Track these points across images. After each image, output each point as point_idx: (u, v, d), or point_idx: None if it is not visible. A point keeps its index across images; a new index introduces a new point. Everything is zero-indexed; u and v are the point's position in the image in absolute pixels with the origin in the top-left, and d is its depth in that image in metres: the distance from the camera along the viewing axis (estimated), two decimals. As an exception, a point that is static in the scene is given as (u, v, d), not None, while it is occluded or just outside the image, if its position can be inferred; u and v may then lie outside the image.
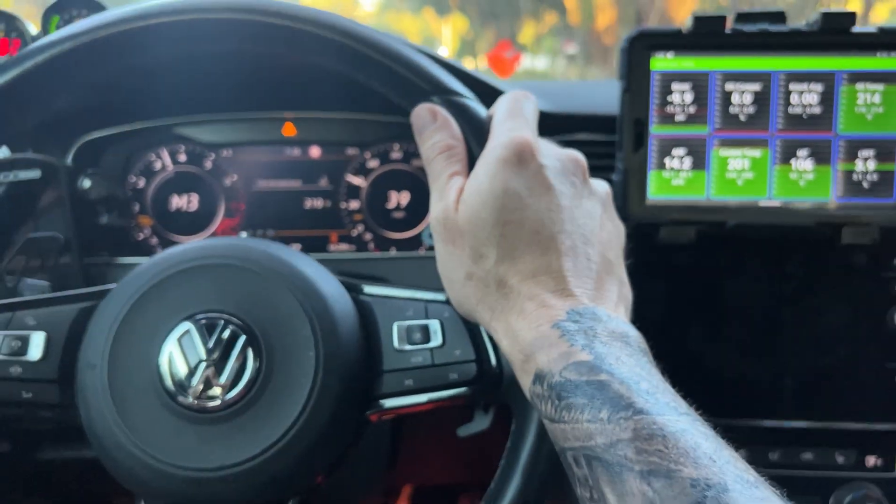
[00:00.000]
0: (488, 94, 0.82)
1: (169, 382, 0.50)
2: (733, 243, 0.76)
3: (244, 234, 0.81)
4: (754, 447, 0.77)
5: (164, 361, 0.51)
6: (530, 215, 0.46)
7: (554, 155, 0.49)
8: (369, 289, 0.57)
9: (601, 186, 0.51)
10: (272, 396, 0.50)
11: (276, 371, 0.51)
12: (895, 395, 0.76)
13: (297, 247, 0.89)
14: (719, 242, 0.76)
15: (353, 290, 0.57)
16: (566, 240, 0.46)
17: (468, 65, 0.81)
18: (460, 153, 0.52)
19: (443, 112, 0.53)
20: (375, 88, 0.55)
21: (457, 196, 0.49)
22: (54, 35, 0.54)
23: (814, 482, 0.77)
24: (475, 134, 0.52)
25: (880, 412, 0.77)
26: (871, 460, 0.77)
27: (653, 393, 0.39)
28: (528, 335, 0.43)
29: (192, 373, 0.50)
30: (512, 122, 0.50)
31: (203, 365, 0.50)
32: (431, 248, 0.87)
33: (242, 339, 0.51)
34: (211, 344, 0.51)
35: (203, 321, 0.51)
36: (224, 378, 0.50)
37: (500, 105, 0.52)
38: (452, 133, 0.52)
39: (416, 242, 0.89)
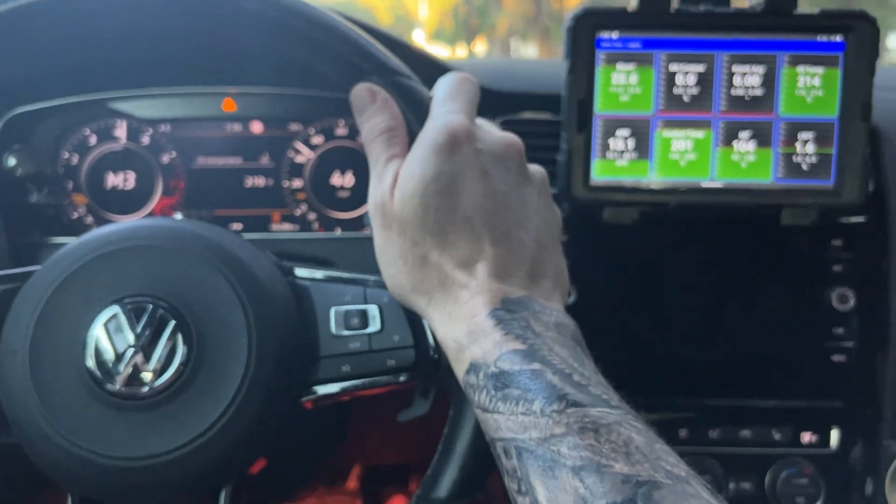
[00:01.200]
0: (435, 71, 0.81)
1: (95, 368, 0.49)
2: (676, 224, 0.77)
3: (179, 215, 0.79)
4: (694, 425, 0.79)
5: (90, 347, 0.49)
6: (463, 201, 0.45)
7: (489, 140, 0.48)
8: (306, 272, 0.55)
9: (537, 172, 0.51)
10: (203, 383, 0.49)
11: (208, 357, 0.49)
12: (831, 373, 0.78)
13: (237, 226, 0.86)
14: (662, 223, 0.77)
15: (290, 274, 0.55)
16: (500, 226, 0.45)
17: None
18: (400, 136, 0.51)
19: (383, 93, 0.51)
20: (315, 66, 0.53)
21: (393, 180, 0.48)
22: None
23: (752, 459, 0.79)
24: (416, 115, 0.51)
25: (817, 390, 0.78)
26: (807, 437, 0.79)
27: (585, 385, 0.38)
28: (462, 325, 0.42)
29: (119, 358, 0.48)
30: (449, 104, 0.49)
31: (131, 350, 0.48)
32: None
33: (172, 323, 0.49)
34: (139, 329, 0.49)
35: (131, 305, 0.49)
36: (153, 364, 0.48)
37: (440, 87, 0.51)
38: (392, 114, 0.51)
39: (361, 222, 0.87)
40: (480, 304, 0.42)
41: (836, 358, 0.77)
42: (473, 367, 0.41)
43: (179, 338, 0.49)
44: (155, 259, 0.51)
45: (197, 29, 0.59)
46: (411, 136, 0.50)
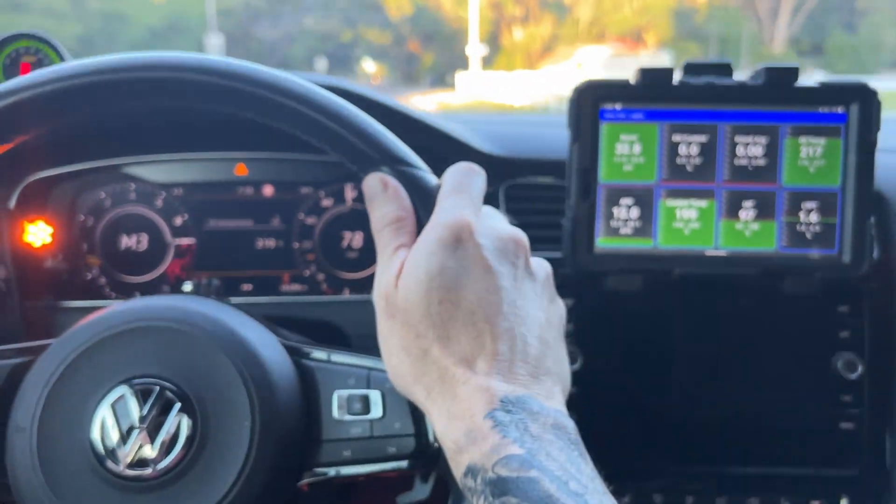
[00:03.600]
0: (446, 146, 0.82)
1: (100, 449, 0.49)
2: (679, 291, 0.77)
3: (188, 285, 0.80)
4: (701, 493, 0.78)
5: (96, 427, 0.50)
6: (467, 296, 0.46)
7: (494, 235, 0.48)
8: (312, 354, 0.56)
9: (541, 266, 0.51)
10: (206, 465, 0.49)
11: (211, 439, 0.50)
12: (839, 440, 0.77)
13: (247, 287, 0.88)
14: (666, 290, 0.77)
15: (296, 354, 0.56)
16: (503, 322, 0.46)
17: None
18: (408, 225, 0.52)
19: (393, 182, 0.52)
20: (328, 152, 0.54)
21: (398, 270, 0.48)
22: (9, 84, 0.52)
23: (760, 527, 0.78)
24: (424, 205, 0.52)
25: (825, 458, 0.78)
26: (816, 505, 0.78)
27: (582, 494, 0.39)
28: (460, 424, 0.42)
29: (124, 440, 0.49)
30: (454, 198, 0.50)
31: (136, 432, 0.49)
32: None
33: (177, 406, 0.50)
34: (145, 410, 0.50)
35: (138, 386, 0.50)
36: (157, 446, 0.49)
37: (447, 179, 0.52)
38: (402, 204, 0.52)
39: (369, 283, 0.88)
40: (479, 403, 0.42)
41: (845, 426, 0.76)
42: (471, 470, 0.41)
43: (184, 420, 0.50)
44: (163, 339, 0.52)
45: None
46: (420, 226, 0.51)
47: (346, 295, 0.88)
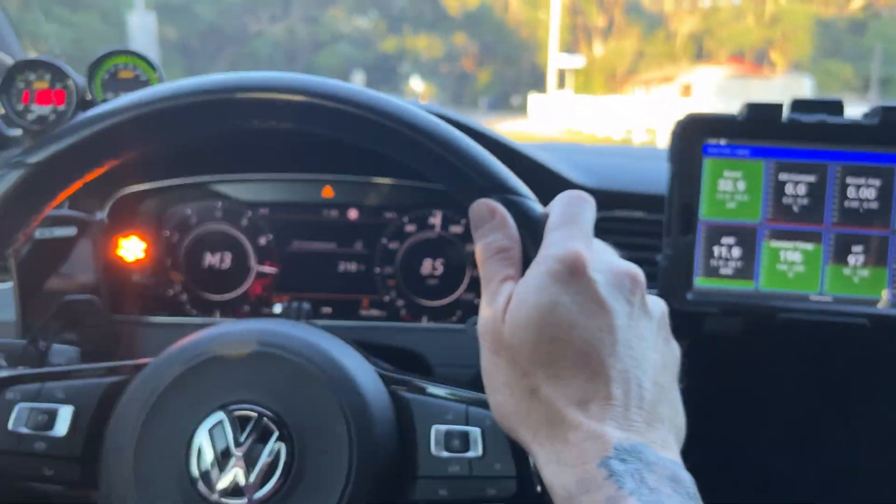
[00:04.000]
0: (548, 181, 0.80)
1: (197, 475, 0.48)
2: (781, 337, 0.74)
3: (278, 308, 0.80)
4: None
5: (193, 452, 0.49)
6: (580, 335, 0.43)
7: (608, 269, 0.46)
8: (410, 383, 0.55)
9: (657, 305, 0.49)
10: (302, 497, 0.48)
11: (308, 470, 0.48)
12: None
13: (327, 310, 0.87)
14: (767, 335, 0.73)
15: (393, 384, 0.54)
16: (617, 364, 0.43)
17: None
18: (515, 255, 0.50)
19: (500, 210, 0.50)
20: (434, 179, 0.53)
21: (505, 304, 0.46)
22: (109, 105, 0.52)
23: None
24: (532, 235, 0.50)
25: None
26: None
27: None
28: (571, 470, 0.40)
29: (220, 466, 0.48)
30: (565, 229, 0.48)
31: (233, 459, 0.48)
32: (463, 320, 0.85)
33: (275, 434, 0.49)
34: (243, 438, 0.49)
35: (236, 413, 0.49)
36: (254, 475, 0.48)
37: (555, 209, 0.50)
38: (509, 233, 0.50)
39: (448, 311, 0.87)
40: (592, 450, 0.40)
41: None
42: None
43: (282, 449, 0.49)
44: (263, 365, 0.51)
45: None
46: (526, 257, 0.49)
47: (425, 322, 0.86)
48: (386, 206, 0.86)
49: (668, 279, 0.70)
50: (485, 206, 0.50)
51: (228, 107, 0.50)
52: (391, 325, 0.86)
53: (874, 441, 0.74)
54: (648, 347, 0.45)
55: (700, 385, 0.75)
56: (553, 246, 0.47)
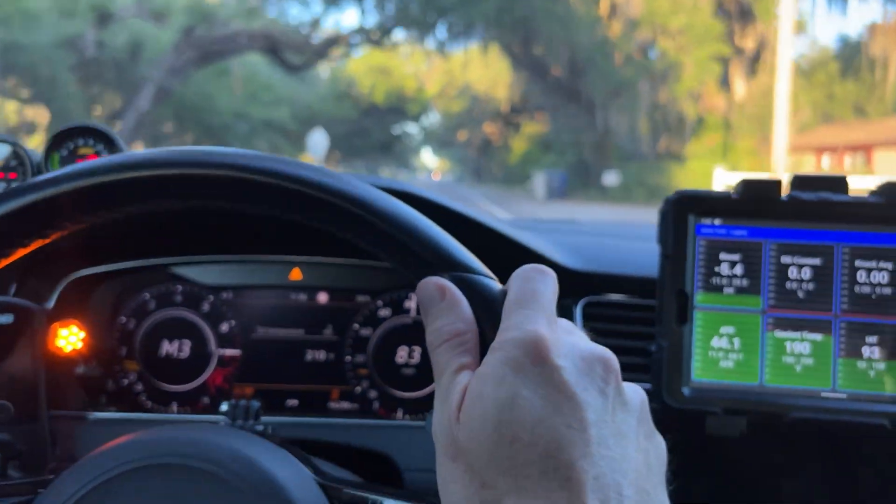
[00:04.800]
0: (512, 254, 0.75)
1: None
2: (792, 438, 0.66)
3: (224, 406, 0.73)
4: None
5: None
6: (546, 434, 0.36)
7: (576, 354, 0.39)
8: (356, 497, 0.47)
9: (635, 394, 0.42)
10: None
11: None
12: None
13: (293, 402, 0.80)
14: (775, 437, 0.66)
15: (336, 497, 0.47)
16: (591, 468, 0.36)
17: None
18: (470, 341, 0.43)
19: (451, 289, 0.44)
20: (380, 258, 0.47)
21: (460, 400, 0.40)
22: (58, 172, 0.47)
23: None
24: (488, 317, 0.44)
25: None
26: None
27: None
28: None
29: None
30: (525, 310, 0.41)
31: None
32: None
33: None
34: None
35: None
36: None
37: (513, 285, 0.44)
38: (462, 316, 0.44)
39: (426, 404, 0.79)
40: None
41: None
42: None
43: None
44: (182, 481, 0.44)
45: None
46: (484, 342, 0.43)
47: (400, 418, 0.79)
48: (358, 288, 0.80)
49: (662, 372, 0.64)
50: (433, 284, 0.44)
51: (153, 183, 0.44)
52: (361, 422, 0.78)
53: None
54: (628, 445, 0.38)
55: (705, 494, 0.67)
56: (511, 329, 0.40)
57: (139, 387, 0.80)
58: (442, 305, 0.44)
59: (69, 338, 0.74)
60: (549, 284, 0.44)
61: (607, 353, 0.41)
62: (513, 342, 0.39)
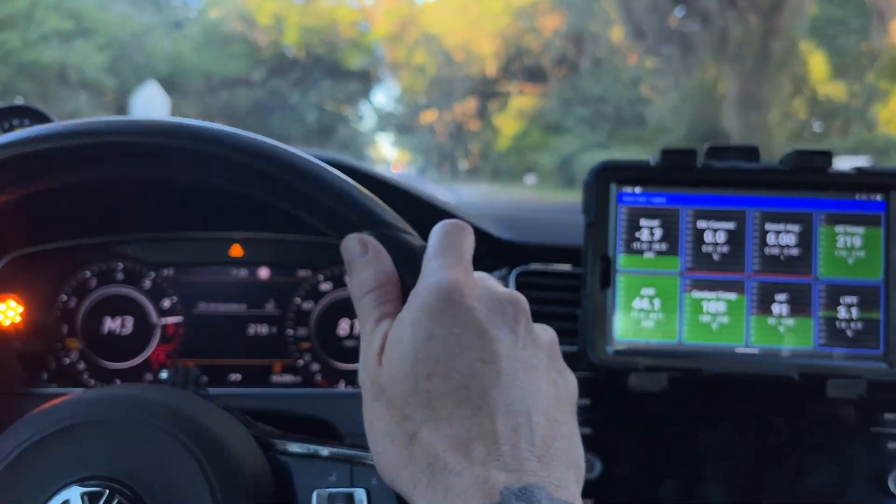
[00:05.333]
0: (436, 218, 0.77)
1: None
2: (709, 392, 0.70)
3: (165, 373, 0.74)
4: None
5: None
6: (459, 368, 0.39)
7: (489, 297, 0.42)
8: (288, 447, 0.49)
9: (546, 333, 0.45)
10: None
11: None
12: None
13: (236, 377, 0.81)
14: (694, 391, 0.70)
15: (270, 448, 0.49)
16: (502, 397, 0.39)
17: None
18: (392, 292, 0.46)
19: (374, 244, 0.47)
20: (304, 219, 0.49)
21: (381, 345, 0.42)
22: None
23: None
24: (409, 270, 0.46)
25: (877, 588, 0.68)
26: None
27: None
28: None
29: None
30: (442, 259, 0.44)
31: None
32: None
33: None
34: None
35: (86, 489, 0.43)
36: None
37: (432, 238, 0.47)
38: (384, 268, 0.46)
39: (367, 376, 0.82)
40: (476, 497, 0.35)
41: (900, 552, 0.67)
42: None
43: None
44: (118, 435, 0.45)
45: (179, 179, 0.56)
46: (405, 293, 0.46)
47: (342, 387, 0.81)
48: (299, 263, 0.82)
49: (587, 334, 0.67)
50: (355, 240, 0.46)
51: (72, 153, 0.45)
52: (302, 391, 0.80)
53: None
54: (538, 378, 0.41)
55: (627, 448, 0.71)
56: (428, 277, 0.43)
57: (81, 365, 0.81)
58: (364, 259, 0.46)
59: (7, 312, 0.75)
60: (465, 237, 0.47)
61: (517, 295, 0.44)
62: (428, 288, 0.42)
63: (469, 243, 0.47)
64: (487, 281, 0.45)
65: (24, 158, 0.46)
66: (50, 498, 0.44)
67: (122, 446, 0.45)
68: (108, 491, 0.43)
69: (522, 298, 0.44)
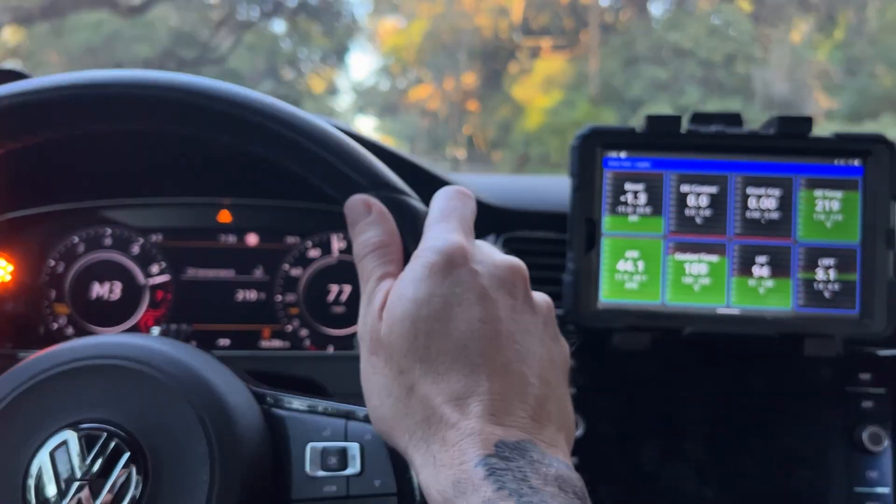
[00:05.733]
0: (434, 187, 0.78)
1: (34, 502, 0.43)
2: (691, 351, 0.72)
3: (156, 330, 0.75)
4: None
5: (32, 477, 0.43)
6: (459, 326, 0.40)
7: (490, 262, 0.43)
8: (284, 401, 0.50)
9: (543, 300, 0.46)
10: None
11: (163, 496, 0.43)
12: (865, 522, 0.70)
13: (225, 342, 0.82)
14: (676, 350, 0.71)
15: (265, 402, 0.50)
16: (499, 357, 0.40)
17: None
18: (394, 253, 0.47)
19: (377, 205, 0.48)
20: (309, 180, 0.50)
21: (383, 302, 0.43)
22: None
23: None
24: (412, 232, 0.47)
25: (849, 542, 0.71)
26: None
27: None
28: (447, 472, 0.36)
29: (62, 494, 0.43)
30: (445, 223, 0.45)
31: (76, 485, 0.43)
32: None
33: (126, 455, 0.43)
34: (89, 460, 0.43)
35: (84, 432, 0.44)
36: (99, 502, 0.42)
37: (435, 203, 0.48)
38: (387, 229, 0.47)
39: (353, 341, 0.83)
40: (471, 449, 0.36)
41: (871, 506, 0.70)
42: None
43: (133, 472, 0.43)
44: (116, 380, 0.46)
45: (192, 138, 0.57)
46: (407, 255, 0.47)
47: (330, 351, 0.82)
48: (287, 230, 0.82)
49: (572, 296, 0.68)
50: (360, 201, 0.47)
51: (77, 104, 0.46)
52: (292, 353, 0.81)
53: (794, 465, 0.72)
54: (534, 342, 0.42)
55: (610, 407, 0.73)
56: (431, 239, 0.44)
57: (70, 330, 0.81)
58: (368, 220, 0.47)
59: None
60: (467, 203, 0.48)
61: (517, 261, 0.46)
62: (432, 249, 0.43)
63: (471, 210, 0.48)
64: (488, 247, 0.46)
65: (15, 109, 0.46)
66: (46, 440, 0.44)
67: (120, 391, 0.46)
68: (105, 434, 0.44)
69: (522, 265, 0.45)
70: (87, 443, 0.44)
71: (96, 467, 0.43)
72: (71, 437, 0.44)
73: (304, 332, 0.83)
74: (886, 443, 0.69)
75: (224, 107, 0.47)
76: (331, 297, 0.83)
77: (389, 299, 0.43)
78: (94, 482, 0.43)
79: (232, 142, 0.49)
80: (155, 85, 0.47)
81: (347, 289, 0.83)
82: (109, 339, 0.50)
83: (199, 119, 0.48)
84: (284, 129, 0.47)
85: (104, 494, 0.43)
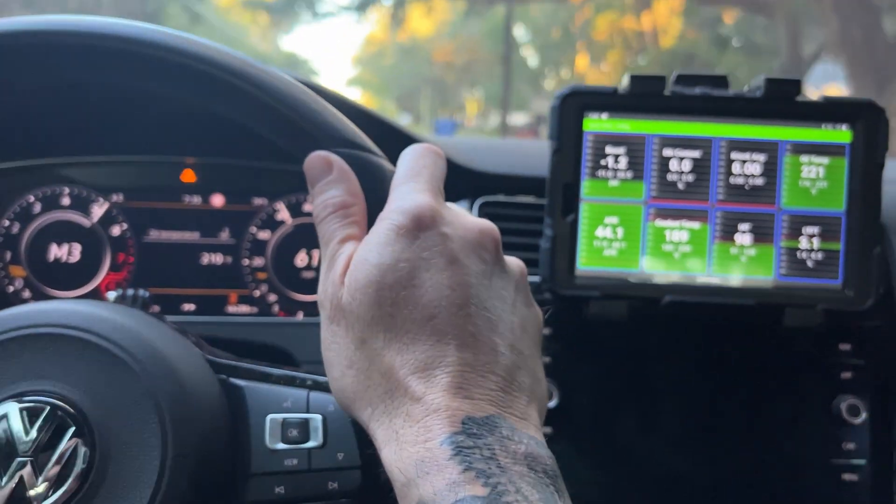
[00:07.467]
0: (402, 145, 0.75)
1: None
2: (668, 321, 0.70)
3: (112, 295, 0.71)
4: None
5: None
6: (426, 294, 0.38)
7: (461, 224, 0.41)
8: (242, 369, 0.48)
9: (515, 265, 0.44)
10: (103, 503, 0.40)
11: (112, 472, 0.41)
12: (841, 493, 0.70)
13: (189, 307, 0.79)
14: (653, 320, 0.70)
15: (222, 371, 0.47)
16: (468, 326, 0.38)
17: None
18: (357, 214, 0.44)
19: (339, 162, 0.45)
20: (268, 136, 0.46)
21: (345, 267, 0.40)
22: None
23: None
24: (376, 192, 0.44)
25: (825, 512, 0.70)
26: (815, 565, 0.70)
27: None
28: (411, 450, 0.34)
29: (3, 470, 0.40)
30: (413, 183, 0.42)
31: (18, 461, 0.40)
32: None
33: (72, 429, 0.41)
34: (32, 434, 0.41)
35: (26, 404, 0.41)
36: (42, 479, 0.40)
37: (402, 162, 0.45)
38: (350, 189, 0.44)
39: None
40: (436, 425, 0.34)
41: (847, 477, 0.69)
42: None
43: (80, 447, 0.41)
44: (62, 350, 0.43)
45: (155, 93, 0.53)
46: (371, 217, 0.44)
47: (299, 317, 0.79)
48: (255, 190, 0.79)
49: (549, 262, 0.66)
50: (320, 158, 0.44)
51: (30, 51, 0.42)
52: (259, 320, 0.78)
53: (772, 436, 0.71)
54: (505, 309, 0.40)
55: (586, 377, 0.71)
56: (398, 200, 0.41)
57: (26, 293, 0.78)
58: (329, 178, 0.44)
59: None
60: (437, 162, 0.45)
61: (489, 224, 0.43)
62: (399, 211, 0.40)
63: (441, 168, 0.45)
64: (458, 209, 0.43)
65: None
66: None
67: (64, 362, 0.43)
68: (48, 407, 0.41)
69: (494, 228, 0.42)
70: (30, 416, 0.41)
71: (39, 443, 0.41)
72: (12, 409, 0.41)
73: (272, 298, 0.80)
74: (864, 415, 0.68)
75: (163, 53, 0.44)
76: (300, 262, 0.80)
77: (352, 264, 0.40)
78: (38, 458, 0.40)
79: (177, 92, 0.45)
80: (89, 32, 0.44)
81: (317, 253, 0.80)
82: (55, 305, 0.47)
83: (135, 67, 0.44)
84: (235, 80, 0.44)
85: (47, 471, 0.40)
